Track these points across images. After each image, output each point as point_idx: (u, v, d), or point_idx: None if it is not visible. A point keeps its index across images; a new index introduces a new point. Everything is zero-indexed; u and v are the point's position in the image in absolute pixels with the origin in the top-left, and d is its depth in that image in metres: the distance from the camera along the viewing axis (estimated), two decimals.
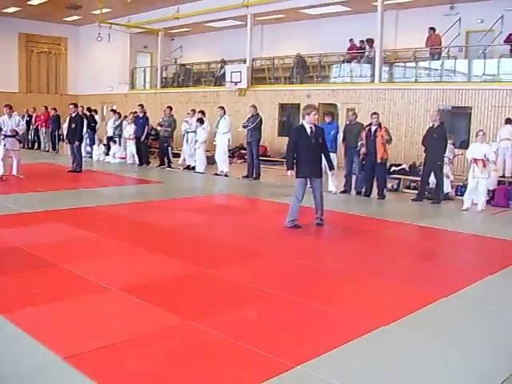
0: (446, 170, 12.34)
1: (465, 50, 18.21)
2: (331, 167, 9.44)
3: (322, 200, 9.08)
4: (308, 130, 8.87)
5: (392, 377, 3.94)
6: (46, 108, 22.85)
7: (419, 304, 5.34)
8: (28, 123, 23.42)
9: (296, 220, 8.91)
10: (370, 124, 12.28)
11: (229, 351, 4.22)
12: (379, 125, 12.19)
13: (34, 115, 23.05)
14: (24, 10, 25.75)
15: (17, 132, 13.19)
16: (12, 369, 3.86)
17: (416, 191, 13.01)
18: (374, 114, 12.42)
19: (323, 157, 9.16)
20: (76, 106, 16.08)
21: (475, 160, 11.00)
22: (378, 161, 12.03)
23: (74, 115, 15.61)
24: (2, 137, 13.13)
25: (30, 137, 23.68)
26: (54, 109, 22.54)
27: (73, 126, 15.48)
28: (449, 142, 12.25)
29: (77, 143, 15.40)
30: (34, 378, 3.78)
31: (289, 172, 9.08)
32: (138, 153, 18.04)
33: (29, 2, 24.10)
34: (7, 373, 3.80)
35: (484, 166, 10.92)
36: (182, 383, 3.74)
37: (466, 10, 18.21)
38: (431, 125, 12.11)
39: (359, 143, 12.41)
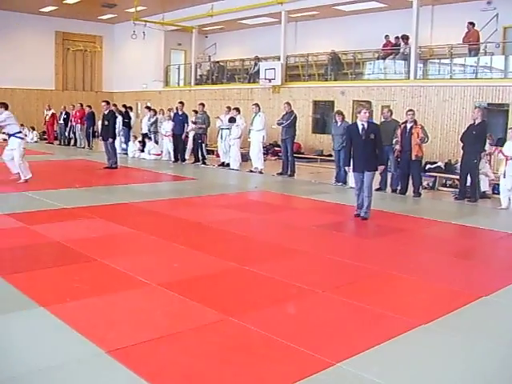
0: (486, 168, 12.21)
1: (502, 45, 17.94)
2: (380, 163, 9.66)
3: (367, 193, 9.42)
4: (360, 128, 9.42)
5: (432, 375, 3.92)
6: (82, 105, 23.15)
7: (459, 303, 5.30)
8: (66, 120, 23.84)
9: (356, 210, 9.64)
10: (406, 121, 12.19)
11: (269, 347, 4.24)
12: (415, 122, 12.11)
13: (74, 112, 23.33)
14: (60, 9, 26.15)
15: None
16: (56, 361, 3.93)
17: (452, 189, 12.91)
18: (410, 110, 12.34)
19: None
20: (108, 103, 16.28)
21: (505, 156, 10.95)
22: (413, 158, 11.95)
23: (106, 112, 15.81)
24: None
25: (66, 133, 24.01)
26: (89, 106, 22.87)
27: (106, 123, 15.70)
28: (487, 140, 12.11)
29: (110, 140, 15.58)
30: (79, 370, 3.84)
31: (346, 168, 10.41)
32: (175, 150, 18.16)
33: (65, 1, 24.46)
34: (52, 365, 3.88)
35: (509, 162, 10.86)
36: (222, 378, 3.78)
37: (503, 5, 17.89)
38: (472, 122, 11.97)
39: (394, 140, 12.34)
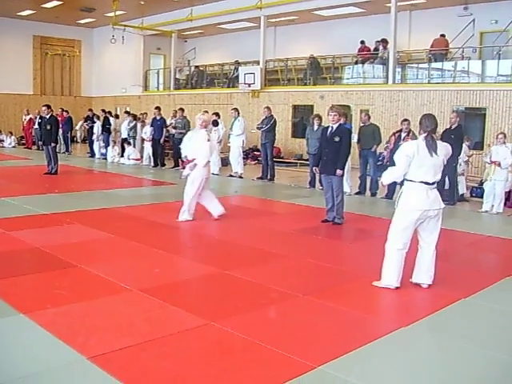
0: (463, 166, 12.43)
1: (479, 50, 18.16)
2: (338, 167, 9.19)
3: (334, 198, 9.27)
4: (328, 130, 9.25)
5: (412, 377, 3.97)
6: (62, 110, 23.07)
7: (437, 305, 5.36)
8: (40, 125, 23.64)
9: (326, 216, 9.47)
10: (400, 130, 12.17)
11: (251, 351, 4.26)
12: (409, 132, 12.02)
13: None
14: (38, 13, 25.96)
15: None
16: (37, 368, 3.92)
17: None
18: (405, 120, 12.25)
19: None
20: (49, 107, 15.62)
21: (493, 162, 11.01)
22: None
23: (47, 117, 15.41)
24: None
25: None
26: (66, 111, 22.88)
27: (48, 127, 15.25)
28: (465, 143, 12.26)
29: (52, 145, 15.25)
30: (60, 377, 3.83)
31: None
32: (154, 154, 18.15)
33: (43, 5, 24.30)
34: (32, 372, 3.86)
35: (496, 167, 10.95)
36: (205, 383, 3.79)
37: (479, 10, 18.18)
38: (448, 126, 12.08)
39: (385, 146, 12.43)
